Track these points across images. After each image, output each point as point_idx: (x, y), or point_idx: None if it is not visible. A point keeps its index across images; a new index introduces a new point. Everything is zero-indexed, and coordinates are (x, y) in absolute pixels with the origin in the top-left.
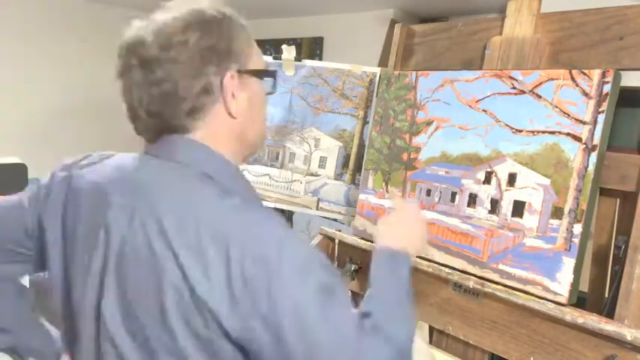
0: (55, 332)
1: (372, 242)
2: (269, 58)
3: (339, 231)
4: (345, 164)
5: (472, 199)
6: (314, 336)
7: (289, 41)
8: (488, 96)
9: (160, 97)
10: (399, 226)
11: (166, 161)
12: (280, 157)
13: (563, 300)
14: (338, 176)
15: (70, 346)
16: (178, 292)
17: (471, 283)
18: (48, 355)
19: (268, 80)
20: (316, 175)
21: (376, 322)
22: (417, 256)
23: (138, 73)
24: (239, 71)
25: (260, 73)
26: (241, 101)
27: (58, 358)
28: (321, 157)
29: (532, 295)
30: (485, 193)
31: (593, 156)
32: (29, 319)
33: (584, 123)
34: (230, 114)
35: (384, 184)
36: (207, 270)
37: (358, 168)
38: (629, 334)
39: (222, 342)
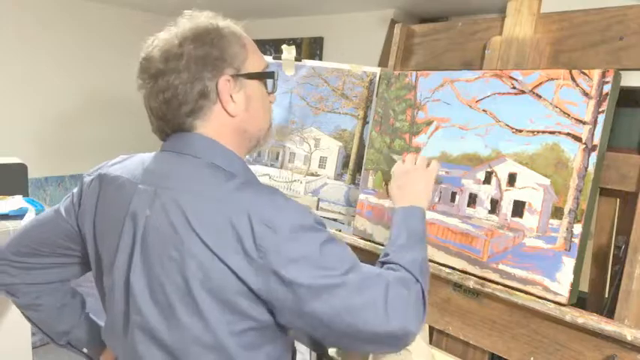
0: (101, 323)
1: (372, 242)
2: (269, 58)
3: (339, 231)
4: (345, 164)
5: (472, 199)
6: (322, 281)
7: (289, 41)
8: (488, 96)
9: (164, 102)
10: (410, 187)
11: (179, 154)
12: (280, 157)
13: (564, 300)
14: (338, 176)
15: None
16: (199, 262)
17: (471, 283)
18: (97, 344)
19: (268, 81)
20: (316, 175)
21: (388, 264)
22: None
23: (147, 85)
24: (234, 75)
25: (255, 76)
26: (239, 101)
27: (104, 345)
28: (321, 157)
29: (532, 295)
30: (486, 193)
31: (593, 156)
32: (82, 315)
33: (584, 123)
34: (228, 113)
35: (384, 184)
36: (222, 240)
37: (358, 168)
38: (629, 334)
39: (246, 305)
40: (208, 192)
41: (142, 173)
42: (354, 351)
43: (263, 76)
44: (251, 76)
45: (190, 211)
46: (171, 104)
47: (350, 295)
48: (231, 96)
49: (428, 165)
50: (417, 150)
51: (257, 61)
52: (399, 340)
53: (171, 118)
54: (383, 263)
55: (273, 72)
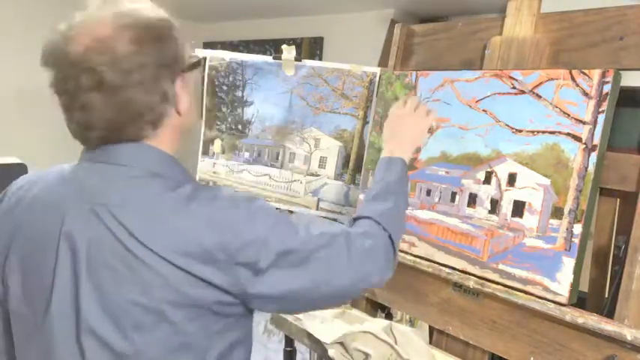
0: None
1: None
2: (269, 58)
3: None
4: (345, 164)
5: (472, 199)
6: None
7: (289, 41)
8: (488, 96)
9: (126, 115)
10: (400, 134)
11: (111, 164)
12: (280, 157)
13: (564, 300)
14: (338, 176)
15: None
16: (164, 279)
17: (471, 283)
18: None
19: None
20: (316, 175)
21: (358, 219)
22: (418, 256)
23: (91, 96)
24: (183, 71)
25: (193, 66)
26: (185, 98)
27: None
28: (321, 157)
29: (532, 295)
30: (486, 193)
31: (593, 156)
32: None
33: (584, 123)
34: (178, 112)
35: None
36: (185, 253)
37: (358, 168)
38: (629, 334)
39: (219, 308)
40: (153, 205)
41: (71, 189)
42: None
43: (198, 65)
44: (191, 67)
45: (138, 227)
46: (134, 116)
47: (315, 264)
48: (180, 94)
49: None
50: (417, 150)
51: (188, 50)
52: (359, 290)
53: (131, 130)
54: (355, 220)
55: (200, 58)
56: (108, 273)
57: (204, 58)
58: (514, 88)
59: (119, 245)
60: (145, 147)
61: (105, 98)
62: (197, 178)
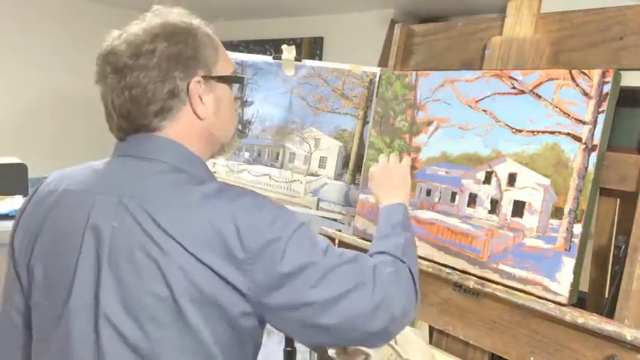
0: None
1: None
2: (269, 58)
3: (340, 231)
4: (345, 164)
5: (472, 199)
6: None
7: (289, 41)
8: (488, 96)
9: (131, 100)
10: (388, 185)
11: (139, 159)
12: (280, 157)
13: (564, 300)
14: (338, 176)
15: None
16: (186, 272)
17: (471, 283)
18: None
19: (235, 85)
20: (316, 175)
21: (373, 254)
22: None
23: (111, 79)
24: (205, 77)
25: (226, 79)
26: (208, 104)
27: None
28: (321, 157)
29: (532, 295)
30: (486, 193)
31: (593, 156)
32: None
33: (584, 123)
34: (197, 115)
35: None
36: (207, 247)
37: (358, 168)
38: (629, 334)
39: (235, 312)
40: (180, 198)
41: (99, 182)
42: (336, 344)
43: (233, 81)
44: (222, 79)
45: (165, 219)
46: (139, 102)
47: (341, 278)
48: (200, 98)
49: (400, 161)
50: (417, 150)
51: (227, 65)
52: (382, 317)
53: (136, 117)
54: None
55: (242, 77)
56: (130, 264)
57: (244, 79)
58: (514, 88)
59: (145, 236)
60: (168, 142)
61: (117, 81)
62: None
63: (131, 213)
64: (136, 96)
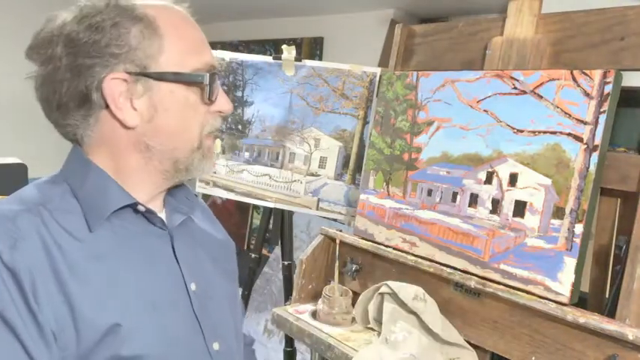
0: None
1: (372, 242)
2: (269, 58)
3: (340, 231)
4: (346, 164)
5: (473, 199)
6: None
7: (289, 41)
8: (489, 96)
9: (43, 101)
10: None
11: (59, 172)
12: (280, 157)
13: (565, 300)
14: (338, 176)
15: None
16: None
17: (473, 283)
18: None
19: (208, 86)
20: (316, 175)
21: None
22: (419, 256)
23: (34, 76)
24: (135, 73)
25: (171, 77)
26: (140, 109)
27: None
28: (321, 157)
29: (534, 295)
30: (487, 193)
31: (595, 156)
32: None
33: (585, 123)
34: (121, 123)
35: (385, 184)
36: None
37: (358, 168)
38: (630, 333)
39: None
40: None
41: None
42: None
43: (182, 80)
44: (163, 77)
45: None
46: (50, 104)
47: None
48: (131, 100)
49: None
50: (418, 150)
51: (183, 58)
52: None
53: (53, 122)
54: None
55: (201, 75)
56: None
57: (205, 77)
58: (515, 88)
59: None
60: (78, 157)
61: (34, 78)
62: (197, 179)
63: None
64: (46, 96)
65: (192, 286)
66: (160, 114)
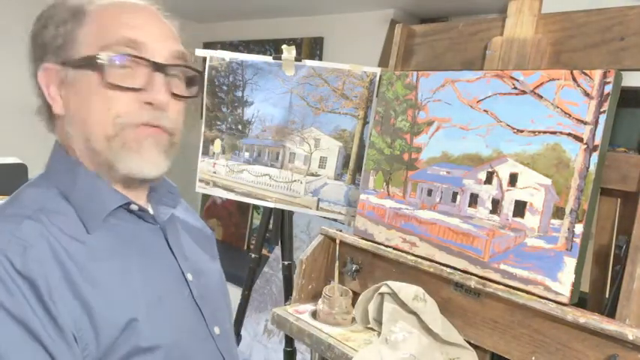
0: None
1: (372, 242)
2: (269, 58)
3: (340, 231)
4: (346, 164)
5: (473, 199)
6: None
7: (289, 41)
8: (489, 96)
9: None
10: None
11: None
12: (280, 157)
13: (565, 300)
14: (338, 176)
15: None
16: None
17: (473, 283)
18: None
19: (107, 65)
20: (316, 175)
21: None
22: (419, 256)
23: None
24: (56, 62)
25: (78, 63)
26: (65, 97)
27: None
28: (321, 157)
29: (534, 295)
30: (487, 193)
31: (595, 156)
32: None
33: (585, 123)
34: (53, 112)
35: (385, 184)
36: None
37: (358, 168)
38: (630, 333)
39: None
40: None
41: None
42: None
43: (85, 63)
44: (74, 63)
45: None
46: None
47: None
48: (59, 89)
49: None
50: (418, 150)
51: (95, 41)
52: None
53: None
54: None
55: (99, 57)
56: None
57: (99, 59)
58: (515, 88)
59: None
60: (56, 149)
61: None
62: (197, 179)
63: None
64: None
65: (189, 276)
66: (71, 99)
